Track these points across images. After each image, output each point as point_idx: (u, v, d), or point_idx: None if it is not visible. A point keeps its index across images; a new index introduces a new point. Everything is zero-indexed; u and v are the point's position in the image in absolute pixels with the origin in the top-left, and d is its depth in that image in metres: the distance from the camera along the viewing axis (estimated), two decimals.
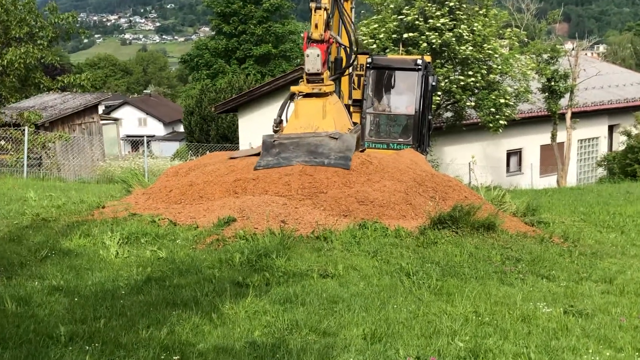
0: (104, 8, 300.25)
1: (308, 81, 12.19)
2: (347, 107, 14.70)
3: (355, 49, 14.33)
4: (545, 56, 26.03)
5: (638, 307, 7.16)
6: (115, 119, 39.71)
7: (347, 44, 13.98)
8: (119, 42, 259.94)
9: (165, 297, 6.67)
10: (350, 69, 14.66)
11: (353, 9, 15.41)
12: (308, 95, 12.22)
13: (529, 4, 28.76)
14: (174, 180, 11.70)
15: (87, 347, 5.26)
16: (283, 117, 12.80)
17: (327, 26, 12.42)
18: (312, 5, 12.17)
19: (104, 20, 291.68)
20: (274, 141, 11.42)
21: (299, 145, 11.30)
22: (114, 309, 6.29)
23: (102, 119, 33.34)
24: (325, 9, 12.22)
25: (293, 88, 12.49)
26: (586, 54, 42.49)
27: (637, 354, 5.70)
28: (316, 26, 12.21)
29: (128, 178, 13.07)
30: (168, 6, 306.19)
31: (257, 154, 11.57)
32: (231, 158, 12.05)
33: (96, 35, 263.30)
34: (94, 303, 6.43)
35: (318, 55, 11.99)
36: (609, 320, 6.62)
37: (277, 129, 12.46)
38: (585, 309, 6.89)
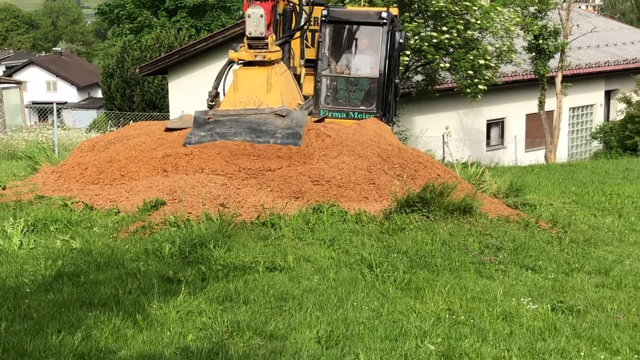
0: None
1: (250, 46, 12.07)
2: (297, 77, 14.60)
3: (313, 6, 14.26)
4: (532, 9, 26.27)
5: (637, 303, 7.33)
6: (19, 82, 38.99)
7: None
8: None
9: (80, 296, 6.61)
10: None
11: None
12: (249, 64, 12.11)
13: None
14: (90, 155, 11.57)
15: None
16: (220, 90, 12.62)
17: None
18: None
19: None
20: (207, 118, 11.32)
21: (238, 122, 11.23)
22: (18, 310, 6.22)
23: (1, 82, 32.72)
24: None
25: (232, 55, 12.32)
26: (580, 6, 43.09)
27: (635, 356, 5.84)
28: None
29: (34, 153, 12.90)
30: None
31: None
32: (167, 129, 11.90)
33: None
34: None
35: (262, 16, 11.86)
36: (603, 317, 6.76)
37: (213, 103, 12.30)
38: (577, 305, 7.02)
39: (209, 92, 12.41)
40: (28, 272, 7.30)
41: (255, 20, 11.86)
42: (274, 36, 12.63)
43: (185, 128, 11.71)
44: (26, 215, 9.05)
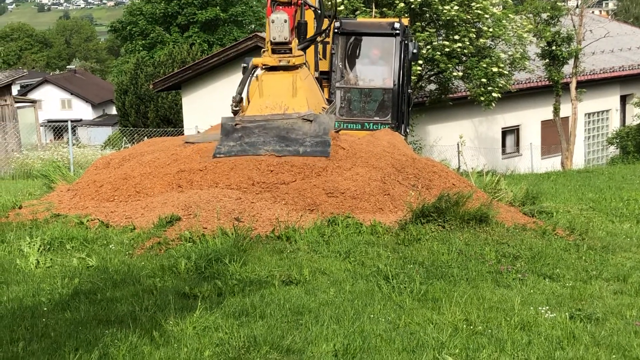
0: None
1: (274, 51, 12.07)
2: (318, 80, 14.62)
3: (334, 12, 14.29)
4: (544, 16, 26.28)
5: None
6: (33, 101, 39.19)
7: (315, 4, 13.96)
8: (36, 9, 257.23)
9: (97, 314, 6.62)
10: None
11: None
12: (274, 69, 12.12)
13: None
14: (105, 173, 11.62)
15: None
16: (244, 95, 12.62)
17: None
18: None
19: None
20: (235, 125, 11.31)
21: (266, 129, 11.22)
22: (35, 329, 6.23)
23: (16, 101, 32.91)
24: None
25: (256, 60, 12.35)
26: (593, 12, 43.01)
27: None
28: None
29: (49, 172, 12.97)
30: None
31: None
32: (187, 143, 11.96)
33: (8, 1, 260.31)
34: (10, 323, 6.36)
35: (285, 21, 11.87)
36: (622, 325, 6.71)
37: (237, 108, 12.27)
38: (595, 312, 6.97)
39: (233, 98, 12.38)
40: (45, 290, 7.32)
41: (280, 25, 11.87)
42: (297, 41, 12.64)
43: (203, 142, 11.75)
44: (42, 234, 9.09)
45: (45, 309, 6.76)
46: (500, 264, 8.48)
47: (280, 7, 12.11)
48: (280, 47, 12.01)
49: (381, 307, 6.96)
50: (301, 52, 12.61)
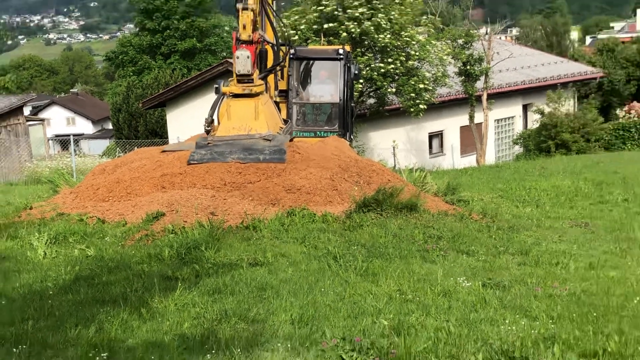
0: (26, 9, 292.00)
1: (239, 81, 12.00)
2: (276, 103, 14.58)
3: (286, 47, 14.25)
4: (460, 41, 26.39)
5: (552, 277, 7.37)
6: (41, 120, 38.58)
7: (273, 40, 13.90)
8: (44, 43, 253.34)
9: (94, 295, 6.53)
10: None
11: (275, 1, 15.31)
12: (239, 96, 12.05)
13: None
14: (101, 178, 11.45)
15: (15, 350, 5.11)
16: (215, 117, 12.56)
17: (255, 26, 12.27)
18: (239, 6, 11.93)
19: (27, 21, 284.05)
20: (207, 143, 11.28)
21: (232, 144, 11.18)
22: (42, 309, 6.13)
23: (28, 120, 32.35)
24: (252, 9, 12.03)
25: (224, 89, 12.28)
26: (500, 37, 43.38)
27: (550, 321, 5.86)
28: (244, 27, 12.01)
29: (55, 178, 12.76)
30: (91, 4, 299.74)
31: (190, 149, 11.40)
32: (163, 152, 11.88)
33: (20, 37, 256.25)
34: (21, 305, 6.25)
35: (248, 57, 11.82)
36: (525, 290, 6.78)
37: (209, 128, 12.24)
38: (503, 281, 7.05)
39: (206, 119, 12.31)
40: (51, 277, 7.21)
41: (243, 60, 11.82)
42: (258, 72, 12.60)
43: (180, 150, 11.65)
44: (49, 230, 8.94)
45: (51, 292, 6.66)
46: (427, 244, 8.53)
47: (244, 45, 12.05)
48: (244, 78, 11.98)
49: (330, 282, 6.96)
50: (261, 82, 12.59)
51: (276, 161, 10.82)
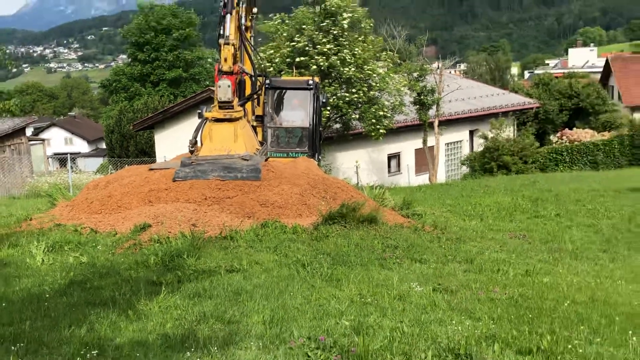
0: (30, 40, 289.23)
1: (220, 107, 12.00)
2: (253, 127, 14.57)
3: (262, 77, 14.27)
4: (415, 74, 26.64)
5: (493, 282, 7.42)
6: (42, 140, 38.04)
7: (251, 71, 13.95)
8: (45, 71, 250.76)
9: (86, 298, 6.42)
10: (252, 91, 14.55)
11: (252, 37, 15.34)
12: (220, 121, 12.01)
13: (400, 30, 29.40)
14: (94, 192, 11.30)
15: (13, 348, 5.00)
16: (198, 139, 12.51)
17: (235, 59, 12.27)
18: (221, 41, 11.96)
19: (31, 51, 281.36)
20: (191, 162, 11.23)
21: (214, 163, 11.15)
22: (39, 311, 6.01)
23: (29, 140, 31.88)
24: (233, 44, 12.04)
25: (207, 114, 12.24)
26: (450, 71, 43.87)
27: (491, 322, 5.89)
28: (225, 60, 12.00)
29: (53, 192, 12.57)
30: (89, 37, 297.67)
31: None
32: (151, 169, 11.78)
33: (24, 65, 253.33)
34: (20, 307, 6.12)
35: (229, 86, 11.83)
36: (469, 294, 6.82)
37: (193, 149, 12.19)
38: (451, 286, 7.07)
39: (190, 141, 12.25)
40: (48, 282, 7.08)
41: (224, 89, 11.81)
42: (237, 99, 12.60)
43: (166, 169, 11.56)
44: (47, 239, 8.79)
45: (47, 295, 6.54)
46: (385, 253, 8.54)
47: (225, 75, 12.05)
48: (225, 105, 11.96)
49: (299, 287, 6.92)
50: (240, 108, 12.58)
51: (252, 179, 10.79)
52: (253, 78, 13.91)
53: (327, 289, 6.88)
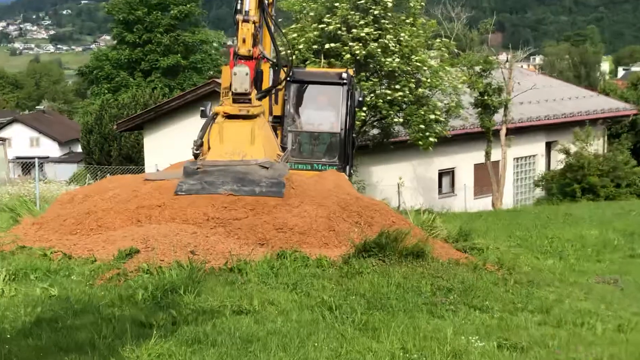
0: None
1: (234, 101, 11.98)
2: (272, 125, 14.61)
3: (290, 63, 14.36)
4: (477, 68, 26.67)
5: (576, 339, 7.36)
6: (3, 139, 38.69)
7: (273, 57, 14.02)
8: (8, 52, 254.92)
9: (58, 341, 6.49)
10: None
11: (273, 18, 15.46)
12: (234, 117, 12.05)
13: (459, 12, 29.45)
14: (68, 207, 11.46)
15: None
16: (205, 139, 12.51)
17: (255, 41, 12.37)
18: (239, 17, 12.00)
19: None
20: (197, 168, 11.25)
21: (225, 172, 11.18)
22: None
23: None
24: (254, 22, 12.10)
25: (218, 108, 12.26)
26: (521, 66, 43.85)
27: None
28: (244, 41, 12.08)
29: (16, 206, 12.74)
30: (64, 12, 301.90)
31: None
32: (146, 180, 11.87)
33: None
34: None
35: (247, 74, 11.81)
36: (545, 354, 6.76)
37: (198, 152, 12.19)
38: (520, 342, 7.02)
39: (194, 142, 12.28)
40: (9, 318, 7.15)
41: (241, 77, 11.81)
42: (256, 92, 12.63)
43: (163, 179, 11.68)
44: (8, 264, 8.89)
45: (8, 335, 6.61)
46: (435, 296, 8.51)
47: (242, 60, 12.09)
48: (240, 97, 11.95)
49: (325, 336, 6.92)
50: (260, 103, 12.55)
51: (273, 195, 10.83)
52: (276, 66, 13.97)
53: (361, 339, 6.88)
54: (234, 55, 12.18)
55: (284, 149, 14.11)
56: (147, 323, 7.01)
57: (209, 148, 11.98)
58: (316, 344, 6.66)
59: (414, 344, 6.78)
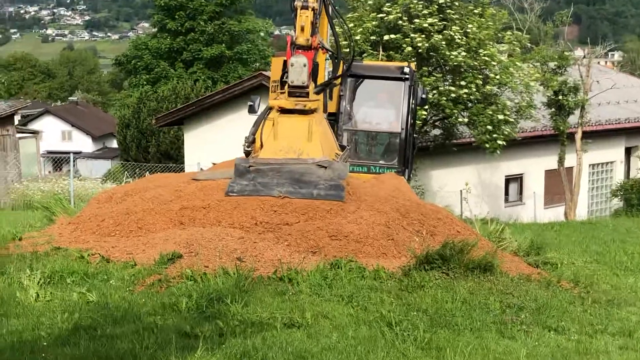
0: None
1: (290, 94, 12.00)
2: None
3: (352, 56, 14.38)
4: (551, 65, 26.40)
5: None
6: (35, 132, 39.31)
7: (333, 50, 14.04)
8: (40, 39, 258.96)
9: (97, 350, 6.60)
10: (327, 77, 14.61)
11: (332, 4, 15.45)
12: (289, 112, 12.05)
13: (532, 2, 29.21)
14: (106, 207, 11.62)
15: None
16: (257, 136, 12.43)
17: (314, 29, 12.42)
18: (298, 4, 12.04)
19: (22, 12, 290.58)
20: (249, 166, 11.28)
21: (280, 172, 11.21)
22: None
23: (18, 132, 32.99)
24: (313, 9, 12.13)
25: (272, 102, 12.32)
26: (599, 62, 43.26)
27: None
28: (302, 29, 12.13)
29: (51, 204, 12.98)
30: None
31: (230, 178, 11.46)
32: (195, 180, 11.98)
33: (12, 30, 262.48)
34: (10, 357, 6.34)
35: (305, 65, 11.84)
36: None
37: (250, 149, 12.24)
38: None
39: (246, 138, 12.32)
40: (45, 325, 7.30)
41: (299, 68, 11.83)
42: (314, 85, 12.66)
43: (214, 179, 11.77)
44: (43, 267, 9.07)
45: (44, 343, 6.74)
46: (504, 315, 8.45)
47: (300, 50, 12.13)
48: (297, 91, 11.96)
49: (384, 355, 6.93)
50: (317, 97, 12.55)
51: (333, 198, 10.86)
52: (335, 58, 13.99)
53: (425, 359, 6.86)
54: (291, 45, 12.22)
55: (342, 147, 14.07)
56: (192, 334, 7.09)
57: (261, 145, 12.02)
58: None
59: None
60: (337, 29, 17.03)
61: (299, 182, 11.02)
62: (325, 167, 11.23)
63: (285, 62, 14.27)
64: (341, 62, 14.31)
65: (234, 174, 11.26)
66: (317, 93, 12.82)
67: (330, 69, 14.61)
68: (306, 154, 11.56)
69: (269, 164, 11.32)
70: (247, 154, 12.05)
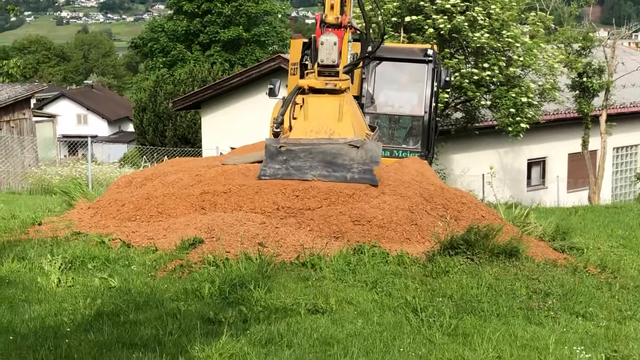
0: None
1: (320, 74, 12.01)
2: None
3: (381, 37, 14.26)
4: (575, 46, 26.21)
5: None
6: (52, 116, 39.47)
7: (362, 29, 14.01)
8: (54, 21, 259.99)
9: (120, 336, 6.64)
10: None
11: None
12: (319, 92, 12.03)
13: None
14: (127, 192, 11.67)
15: None
16: (286, 117, 12.45)
17: (343, 7, 12.38)
18: None
19: None
20: (280, 147, 11.24)
21: (312, 153, 11.17)
22: (58, 350, 6.24)
23: (35, 115, 33.13)
24: None
25: (302, 82, 12.30)
26: (623, 43, 42.88)
27: None
28: (332, 7, 12.12)
29: (70, 189, 13.04)
30: None
31: (259, 161, 11.46)
32: (223, 164, 11.99)
33: (26, 13, 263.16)
34: (33, 343, 6.38)
35: (335, 44, 11.82)
36: None
37: (278, 130, 12.25)
38: (632, 354, 6.92)
39: (275, 119, 12.33)
40: (67, 310, 7.35)
41: (329, 47, 11.83)
42: (344, 64, 12.62)
43: (241, 164, 11.76)
44: (63, 252, 9.13)
45: (67, 329, 6.78)
46: (531, 300, 8.43)
47: (330, 29, 12.10)
48: (327, 70, 11.95)
49: (410, 341, 6.93)
50: (347, 76, 12.55)
51: (367, 182, 10.88)
52: (364, 39, 13.93)
53: (452, 346, 6.86)
54: (320, 23, 12.20)
55: (372, 128, 14.02)
56: (216, 320, 7.12)
57: (290, 126, 11.99)
58: (402, 350, 6.67)
59: (511, 353, 6.74)
60: (356, 10, 17.01)
61: (332, 164, 10.99)
62: (358, 147, 11.17)
63: (304, 44, 14.26)
64: (371, 42, 14.28)
65: (265, 155, 11.23)
66: (346, 73, 12.80)
67: (353, 51, 14.56)
68: (337, 134, 11.54)
69: (300, 144, 11.28)
70: (276, 135, 12.03)
